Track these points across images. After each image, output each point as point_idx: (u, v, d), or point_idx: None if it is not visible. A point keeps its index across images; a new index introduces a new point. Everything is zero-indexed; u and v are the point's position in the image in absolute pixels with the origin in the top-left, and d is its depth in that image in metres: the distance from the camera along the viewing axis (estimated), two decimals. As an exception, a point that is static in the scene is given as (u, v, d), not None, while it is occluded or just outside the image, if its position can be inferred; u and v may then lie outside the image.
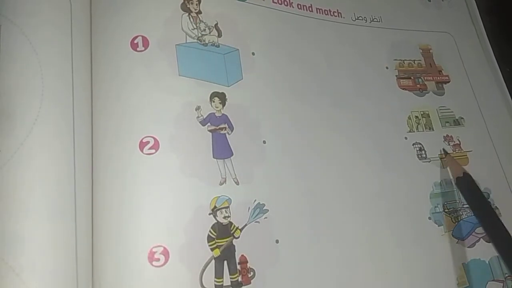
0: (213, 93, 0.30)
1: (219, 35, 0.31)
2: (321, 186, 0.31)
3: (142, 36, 0.29)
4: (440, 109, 0.39)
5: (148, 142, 0.27)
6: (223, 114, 0.30)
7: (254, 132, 0.30)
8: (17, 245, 0.23)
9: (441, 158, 0.36)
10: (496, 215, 0.31)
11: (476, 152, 0.38)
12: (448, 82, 0.40)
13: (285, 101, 0.32)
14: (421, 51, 0.40)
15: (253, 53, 0.32)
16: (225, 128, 0.29)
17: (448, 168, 0.35)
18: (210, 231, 0.27)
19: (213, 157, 0.28)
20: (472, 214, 0.36)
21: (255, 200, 0.29)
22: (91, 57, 0.28)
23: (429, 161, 0.36)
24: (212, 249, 0.26)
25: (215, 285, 0.26)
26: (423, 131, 0.37)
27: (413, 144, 0.36)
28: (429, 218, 0.34)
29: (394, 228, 0.33)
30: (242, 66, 0.31)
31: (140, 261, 0.25)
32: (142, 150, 0.26)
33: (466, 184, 0.33)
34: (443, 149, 0.36)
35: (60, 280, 0.23)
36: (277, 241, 0.28)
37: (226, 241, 0.27)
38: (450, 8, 0.44)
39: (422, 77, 0.39)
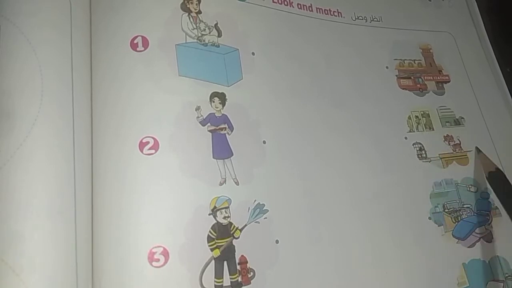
0: (213, 93, 0.30)
1: (219, 35, 0.31)
2: (321, 186, 0.31)
3: (142, 36, 0.29)
4: (440, 109, 0.39)
5: (148, 142, 0.27)
6: (223, 114, 0.30)
7: (254, 132, 0.30)
8: (17, 245, 0.23)
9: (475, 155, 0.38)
10: None
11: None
12: (448, 81, 0.40)
13: (285, 101, 0.32)
14: (421, 50, 0.40)
15: (253, 53, 0.32)
16: (225, 128, 0.29)
17: (480, 165, 0.37)
18: (210, 232, 0.27)
19: (213, 157, 0.28)
20: (473, 214, 0.36)
21: (255, 200, 0.28)
22: (91, 57, 0.28)
23: (429, 161, 0.36)
24: (212, 250, 0.26)
25: (215, 285, 0.26)
26: (423, 131, 0.37)
27: (413, 144, 0.36)
28: (429, 218, 0.34)
29: (394, 228, 0.33)
30: (242, 66, 0.31)
31: (140, 261, 0.25)
32: (142, 151, 0.26)
33: (498, 179, 0.35)
34: (476, 147, 0.37)
35: (60, 280, 0.23)
36: (277, 241, 0.28)
37: (226, 241, 0.27)
38: (451, 7, 0.44)
39: (422, 77, 0.39)
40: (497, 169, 0.36)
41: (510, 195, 0.34)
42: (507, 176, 0.35)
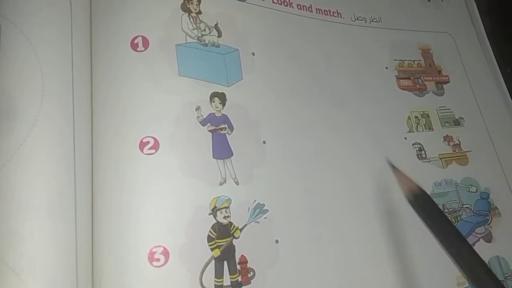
0: (213, 93, 0.30)
1: (219, 35, 0.31)
2: (321, 186, 0.31)
3: (142, 36, 0.29)
4: (440, 109, 0.39)
5: (148, 142, 0.27)
6: (223, 114, 0.30)
7: (254, 132, 0.30)
8: (17, 245, 0.23)
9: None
10: (460, 234, 0.28)
11: (476, 152, 0.38)
12: (448, 82, 0.40)
13: (285, 101, 0.32)
14: (421, 51, 0.40)
15: (253, 53, 0.32)
16: (225, 128, 0.29)
17: (400, 185, 0.30)
18: (210, 231, 0.27)
19: (213, 157, 0.28)
20: (473, 214, 0.36)
21: (255, 200, 0.28)
22: (91, 57, 0.28)
23: (429, 161, 0.36)
24: (212, 249, 0.26)
25: (215, 285, 0.26)
26: (423, 131, 0.37)
27: (413, 144, 0.36)
28: (429, 218, 0.34)
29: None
30: (242, 66, 0.31)
31: (140, 261, 0.25)
32: (142, 150, 0.26)
33: (423, 202, 0.29)
34: (391, 163, 0.31)
35: (60, 280, 0.23)
36: (277, 241, 0.28)
37: (226, 241, 0.27)
38: (450, 8, 0.44)
39: (421, 77, 0.39)
40: (421, 190, 0.29)
41: (437, 219, 0.28)
42: (432, 198, 0.29)
